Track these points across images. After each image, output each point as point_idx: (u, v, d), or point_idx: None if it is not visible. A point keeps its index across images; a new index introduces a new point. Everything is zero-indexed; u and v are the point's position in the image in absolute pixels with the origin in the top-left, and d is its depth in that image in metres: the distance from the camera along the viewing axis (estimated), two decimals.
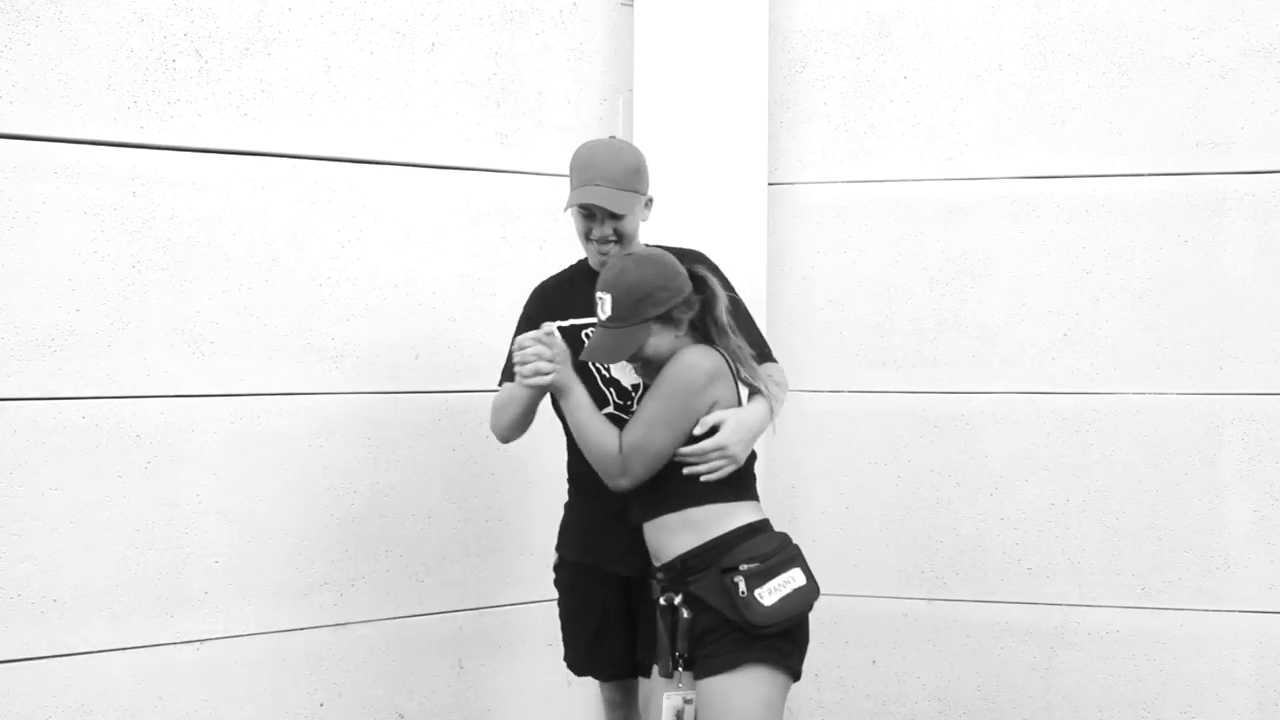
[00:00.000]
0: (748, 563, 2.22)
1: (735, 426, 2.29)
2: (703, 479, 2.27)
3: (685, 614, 2.25)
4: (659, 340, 2.29)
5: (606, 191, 2.43)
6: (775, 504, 3.42)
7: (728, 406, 2.29)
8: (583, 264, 2.63)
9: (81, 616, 2.78)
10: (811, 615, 2.33)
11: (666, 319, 2.28)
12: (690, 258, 2.48)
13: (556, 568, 2.74)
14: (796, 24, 3.50)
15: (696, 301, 2.32)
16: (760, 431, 2.36)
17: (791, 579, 2.24)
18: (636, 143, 3.37)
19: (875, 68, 3.46)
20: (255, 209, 2.98)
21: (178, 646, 2.90)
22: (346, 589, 3.11)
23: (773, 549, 2.26)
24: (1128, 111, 3.34)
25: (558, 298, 2.61)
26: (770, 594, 2.20)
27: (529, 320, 2.60)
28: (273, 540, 3.01)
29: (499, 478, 3.31)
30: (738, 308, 2.50)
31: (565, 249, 3.40)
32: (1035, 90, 3.38)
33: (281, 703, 3.03)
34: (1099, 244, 3.35)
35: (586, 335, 2.52)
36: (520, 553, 3.34)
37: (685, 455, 2.27)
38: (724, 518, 2.28)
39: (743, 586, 2.19)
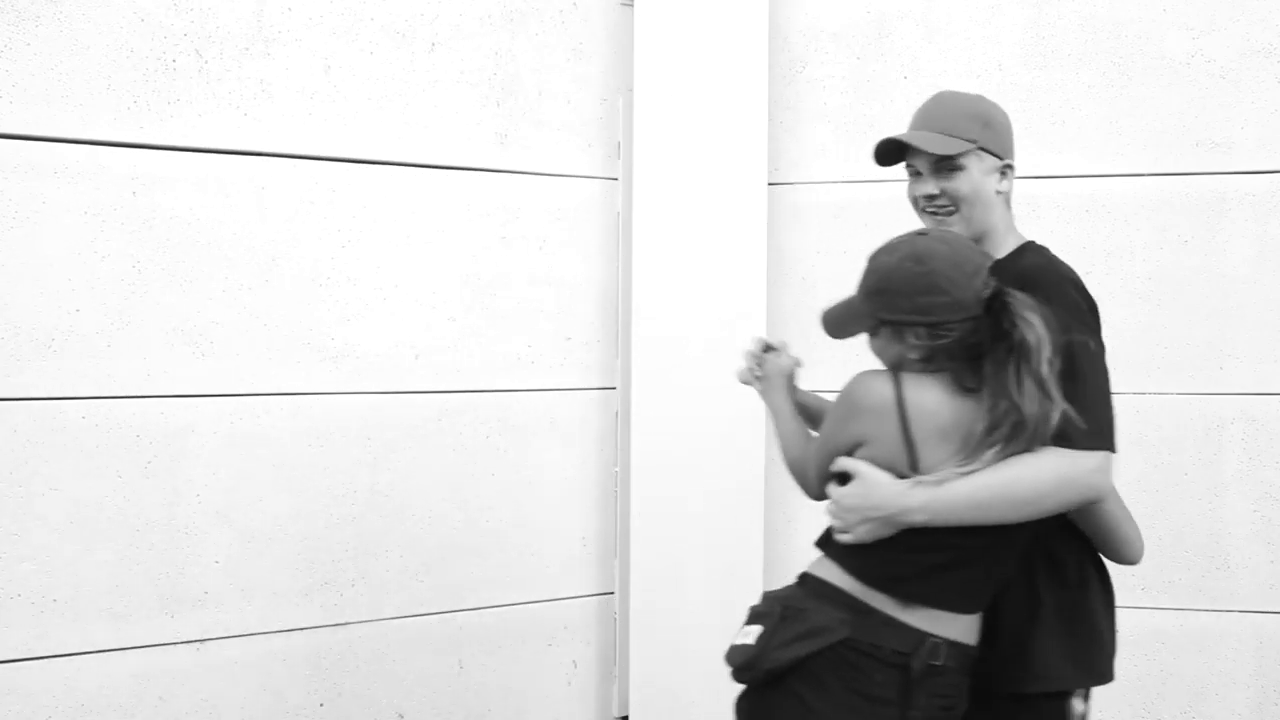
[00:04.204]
0: (774, 602, 1.95)
1: (859, 494, 1.82)
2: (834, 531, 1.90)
3: None
4: (885, 347, 1.88)
5: (924, 134, 1.97)
6: (775, 504, 3.43)
7: (883, 452, 1.82)
8: None
9: (81, 616, 2.78)
10: None
11: (897, 330, 1.84)
12: (1065, 281, 1.92)
13: None
14: (796, 24, 3.50)
15: (960, 334, 1.79)
16: (903, 522, 1.79)
17: (747, 634, 1.91)
18: (636, 143, 3.37)
19: (875, 68, 3.46)
20: (255, 209, 2.98)
21: (178, 646, 2.90)
22: (346, 589, 3.11)
23: (774, 596, 1.95)
24: (1128, 111, 3.34)
25: None
26: (735, 635, 1.93)
27: None
28: (273, 540, 3.01)
29: (499, 478, 3.31)
30: (1089, 380, 1.87)
31: (565, 249, 3.40)
32: (1035, 90, 3.38)
33: (281, 703, 3.03)
34: (1099, 244, 3.35)
35: None
36: (520, 553, 3.34)
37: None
38: (816, 564, 1.96)
39: (744, 624, 1.95)
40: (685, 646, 3.34)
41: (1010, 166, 2.02)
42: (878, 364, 1.93)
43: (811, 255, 3.48)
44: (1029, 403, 1.75)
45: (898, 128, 3.43)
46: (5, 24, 2.68)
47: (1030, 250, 2.01)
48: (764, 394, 2.21)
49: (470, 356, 3.27)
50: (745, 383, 2.26)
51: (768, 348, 2.24)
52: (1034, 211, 3.39)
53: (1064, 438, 1.79)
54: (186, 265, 2.89)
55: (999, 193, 2.00)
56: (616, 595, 3.47)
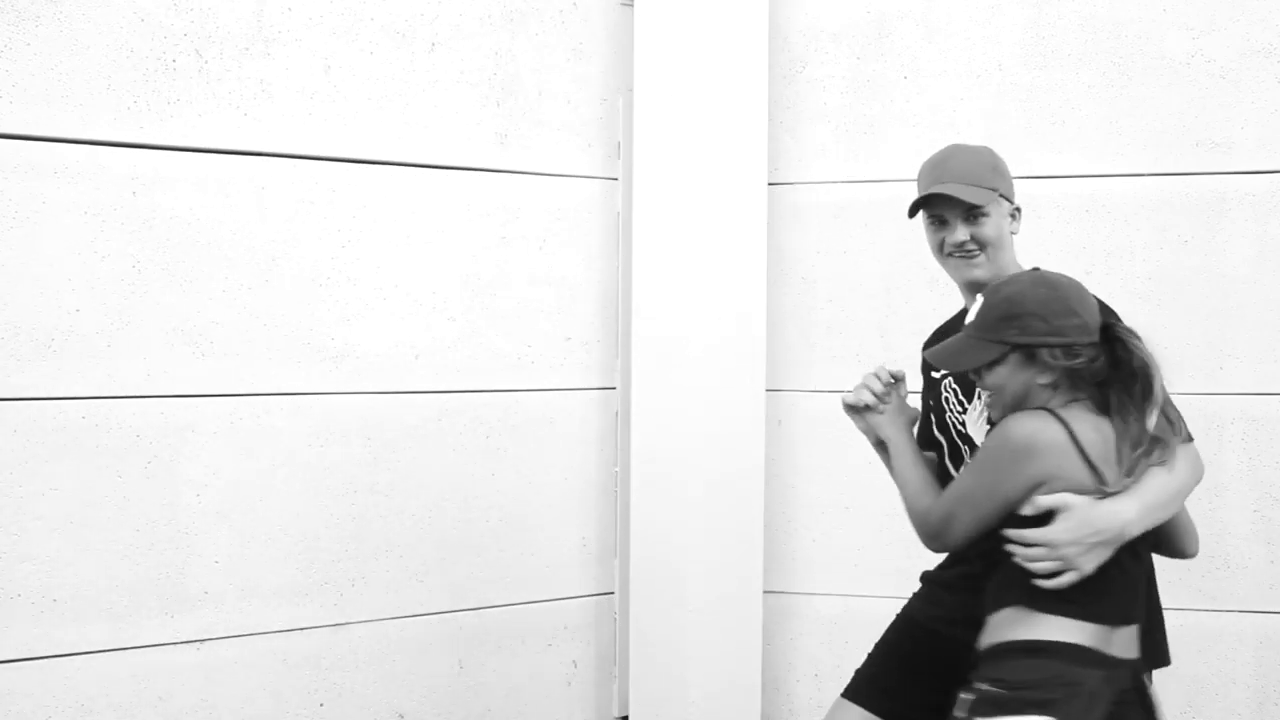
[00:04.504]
0: (990, 683, 1.81)
1: (1077, 524, 1.81)
2: (1033, 581, 1.83)
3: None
4: (1012, 375, 1.89)
5: (957, 186, 2.12)
6: (775, 504, 3.43)
7: (1070, 488, 1.83)
8: (962, 313, 2.26)
9: (81, 616, 2.78)
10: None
11: (1030, 355, 1.87)
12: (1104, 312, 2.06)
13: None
14: (796, 24, 3.49)
15: (1086, 358, 1.88)
16: (1121, 535, 1.84)
17: None
18: (636, 143, 3.37)
19: (875, 68, 3.46)
20: (255, 209, 2.98)
21: (178, 646, 2.90)
22: (346, 589, 3.11)
23: (1031, 680, 1.79)
24: (1128, 111, 3.34)
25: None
26: None
27: (924, 375, 2.33)
28: (273, 540, 3.01)
29: (499, 478, 3.31)
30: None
31: (565, 249, 3.40)
32: (1035, 90, 3.38)
33: (281, 703, 3.03)
34: (1099, 244, 3.35)
35: (948, 389, 2.22)
36: (520, 553, 3.34)
37: (1010, 538, 1.86)
38: (1027, 625, 1.85)
39: (962, 711, 1.82)
40: (685, 646, 3.34)
41: (1019, 209, 2.22)
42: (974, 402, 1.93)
43: (811, 255, 3.48)
44: (1156, 424, 1.86)
45: (898, 127, 3.45)
46: (5, 24, 2.68)
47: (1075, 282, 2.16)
48: (881, 427, 2.13)
49: (470, 356, 3.27)
50: (857, 408, 2.15)
51: (897, 379, 2.15)
52: (1034, 211, 3.38)
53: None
54: (186, 265, 2.89)
55: (1012, 234, 2.20)
56: (616, 595, 3.48)
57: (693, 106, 3.35)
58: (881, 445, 2.15)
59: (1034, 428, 1.86)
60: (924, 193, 2.15)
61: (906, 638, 2.36)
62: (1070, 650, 1.81)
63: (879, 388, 2.13)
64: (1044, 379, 1.89)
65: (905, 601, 2.43)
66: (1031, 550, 1.83)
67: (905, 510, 2.05)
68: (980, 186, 2.14)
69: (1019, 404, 1.91)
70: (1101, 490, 1.83)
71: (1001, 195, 2.17)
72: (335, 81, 3.07)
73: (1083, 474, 1.84)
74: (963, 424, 2.19)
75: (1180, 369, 3.33)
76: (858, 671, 2.40)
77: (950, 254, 2.18)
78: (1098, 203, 3.35)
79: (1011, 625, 1.86)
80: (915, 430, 2.20)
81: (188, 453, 2.90)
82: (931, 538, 1.99)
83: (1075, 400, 1.90)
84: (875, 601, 3.50)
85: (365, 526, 3.13)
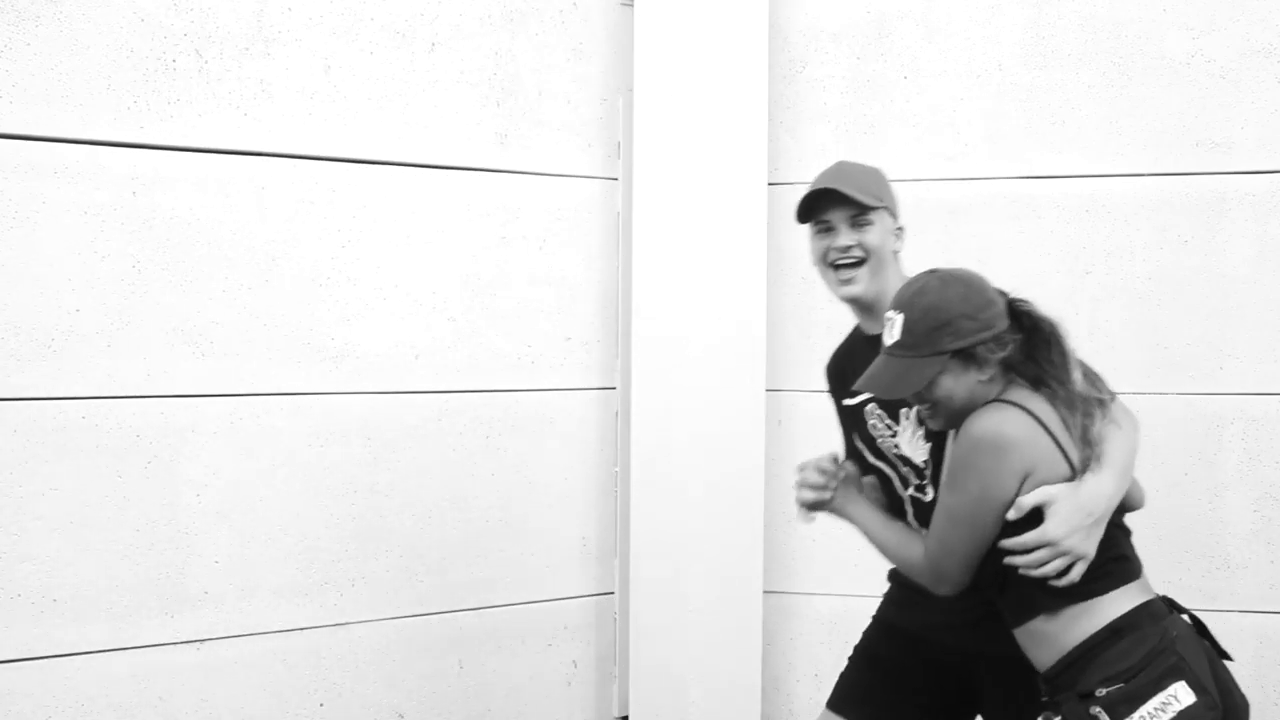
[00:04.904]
0: (1106, 684, 1.74)
1: (1068, 513, 1.80)
2: (1050, 582, 1.81)
3: None
4: (955, 382, 1.87)
5: (847, 187, 2.11)
6: (775, 504, 3.43)
7: (1049, 478, 1.82)
8: (857, 332, 2.27)
9: (81, 616, 2.78)
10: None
11: (968, 356, 1.86)
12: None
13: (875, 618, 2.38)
14: (796, 24, 3.49)
15: (1011, 342, 1.89)
16: (1108, 509, 1.85)
17: (1172, 699, 1.71)
18: (636, 143, 3.37)
19: (875, 68, 3.46)
20: (255, 209, 2.98)
21: (178, 646, 2.90)
22: (346, 589, 3.11)
23: (1140, 659, 1.74)
24: (1128, 111, 3.34)
25: (848, 369, 2.21)
26: (1173, 707, 1.72)
27: (835, 404, 2.30)
28: (273, 540, 3.01)
29: (499, 478, 3.31)
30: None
31: (565, 249, 3.40)
32: (1035, 90, 3.38)
33: (281, 703, 3.03)
34: (1099, 244, 3.35)
35: (873, 416, 2.18)
36: (520, 553, 3.34)
37: (1008, 548, 1.82)
38: (1079, 621, 1.80)
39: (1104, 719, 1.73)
40: (685, 646, 3.34)
41: (902, 229, 2.20)
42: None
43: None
44: (1081, 383, 1.86)
45: (898, 127, 3.45)
46: (5, 24, 2.68)
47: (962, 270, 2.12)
48: (840, 511, 2.12)
49: (470, 356, 3.27)
50: (813, 508, 2.14)
51: (836, 462, 2.14)
52: (1034, 211, 3.39)
53: None
54: (186, 265, 2.89)
55: (894, 252, 2.17)
56: (616, 595, 3.47)
57: (693, 106, 3.35)
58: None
59: (999, 419, 1.83)
60: (814, 188, 2.13)
61: (887, 644, 2.31)
62: (1143, 613, 1.80)
63: (820, 480, 2.12)
64: (984, 376, 1.87)
65: (878, 604, 2.38)
66: (1035, 555, 1.79)
67: (900, 570, 2.01)
68: (869, 193, 2.12)
69: (968, 409, 1.87)
70: (1071, 466, 1.82)
71: (888, 211, 2.16)
72: (335, 81, 3.07)
73: (1055, 454, 1.82)
74: (897, 446, 2.13)
75: (1180, 369, 3.33)
76: (841, 681, 2.35)
77: (833, 262, 2.14)
78: (1098, 203, 3.35)
79: (1068, 628, 1.81)
80: (860, 477, 2.18)
81: (188, 453, 2.90)
82: (938, 581, 1.93)
83: (1012, 385, 1.89)
84: (875, 602, 3.50)
85: (365, 526, 3.13)
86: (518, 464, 3.33)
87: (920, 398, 1.90)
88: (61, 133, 2.75)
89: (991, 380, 1.88)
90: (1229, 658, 1.92)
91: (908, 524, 2.12)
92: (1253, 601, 3.30)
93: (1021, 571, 1.81)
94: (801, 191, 2.20)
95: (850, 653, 2.39)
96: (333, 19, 3.06)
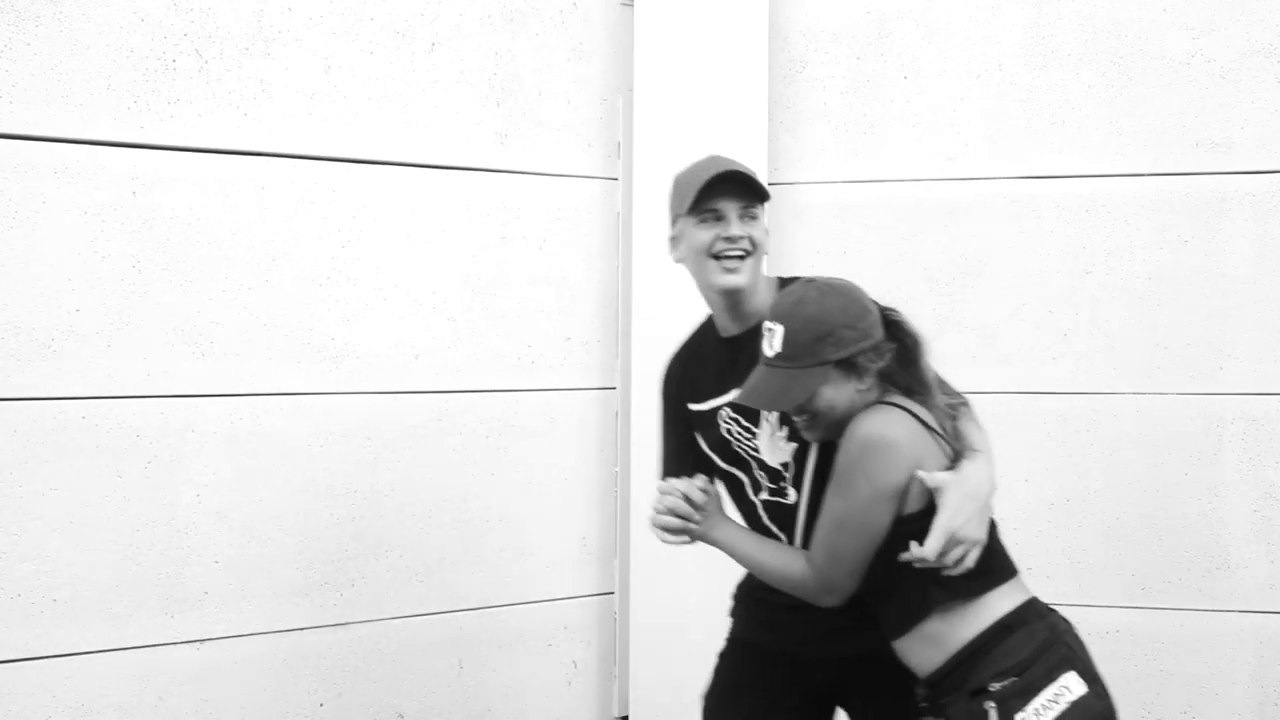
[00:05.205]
0: (999, 679, 1.76)
1: (959, 500, 1.82)
2: (944, 573, 1.82)
3: None
4: (836, 392, 1.88)
5: (746, 175, 2.09)
6: None
7: (933, 468, 1.86)
8: (706, 329, 2.24)
9: (81, 616, 2.78)
10: None
11: (849, 366, 1.88)
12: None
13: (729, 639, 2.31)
14: (796, 24, 3.50)
15: (889, 351, 1.92)
16: (990, 494, 1.89)
17: (1064, 690, 1.74)
18: (636, 143, 3.38)
19: (875, 68, 3.46)
20: (255, 209, 2.98)
21: (178, 646, 2.90)
22: (346, 589, 3.10)
23: (1032, 652, 1.77)
24: (1128, 111, 3.34)
25: (697, 372, 2.20)
26: (1039, 713, 1.73)
27: (673, 408, 2.24)
28: (273, 540, 3.01)
29: (499, 478, 3.31)
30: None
31: (565, 249, 3.40)
32: (1035, 90, 3.38)
33: (281, 703, 3.03)
34: (1099, 244, 3.35)
35: (727, 420, 2.13)
36: (520, 553, 3.34)
37: (916, 561, 1.81)
38: (966, 620, 1.82)
39: (994, 715, 1.74)
40: (685, 646, 3.34)
41: (768, 231, 2.18)
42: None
43: (811, 255, 3.48)
44: (934, 399, 1.93)
45: (898, 127, 3.45)
46: (5, 24, 2.68)
47: (785, 281, 2.17)
48: (707, 535, 2.09)
49: (470, 356, 3.27)
50: (681, 535, 2.09)
51: (707, 488, 2.10)
52: (1034, 211, 3.39)
53: None
54: (186, 265, 2.89)
55: (765, 253, 2.16)
56: (616, 595, 3.47)
57: (693, 106, 3.35)
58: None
59: (884, 420, 1.86)
60: (716, 171, 2.07)
61: (757, 667, 2.21)
62: (1030, 610, 1.84)
63: (687, 510, 2.07)
64: (863, 385, 1.89)
65: (734, 627, 2.30)
66: (930, 544, 1.78)
67: (778, 587, 1.99)
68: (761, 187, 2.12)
69: (847, 419, 1.88)
70: (951, 462, 1.87)
71: (764, 208, 2.16)
72: (335, 81, 3.07)
73: (938, 450, 1.87)
74: (755, 449, 2.09)
75: (1180, 369, 3.33)
76: (707, 710, 2.25)
77: (719, 254, 2.09)
78: (1098, 203, 3.35)
79: (957, 628, 1.82)
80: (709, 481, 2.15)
81: (188, 453, 2.90)
82: (825, 591, 1.91)
83: (888, 392, 1.93)
84: None
85: (365, 526, 3.13)
86: (518, 464, 3.33)
87: (801, 409, 1.90)
88: (61, 133, 2.75)
89: (869, 389, 1.91)
90: None
91: (769, 535, 2.10)
92: (1253, 601, 3.30)
93: (918, 565, 1.80)
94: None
95: (711, 682, 2.29)
96: (333, 19, 3.06)
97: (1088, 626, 3.34)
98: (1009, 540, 3.60)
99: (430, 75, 3.19)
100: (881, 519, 1.84)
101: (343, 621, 3.10)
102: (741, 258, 2.08)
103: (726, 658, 2.30)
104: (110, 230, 2.81)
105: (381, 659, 3.16)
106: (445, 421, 3.23)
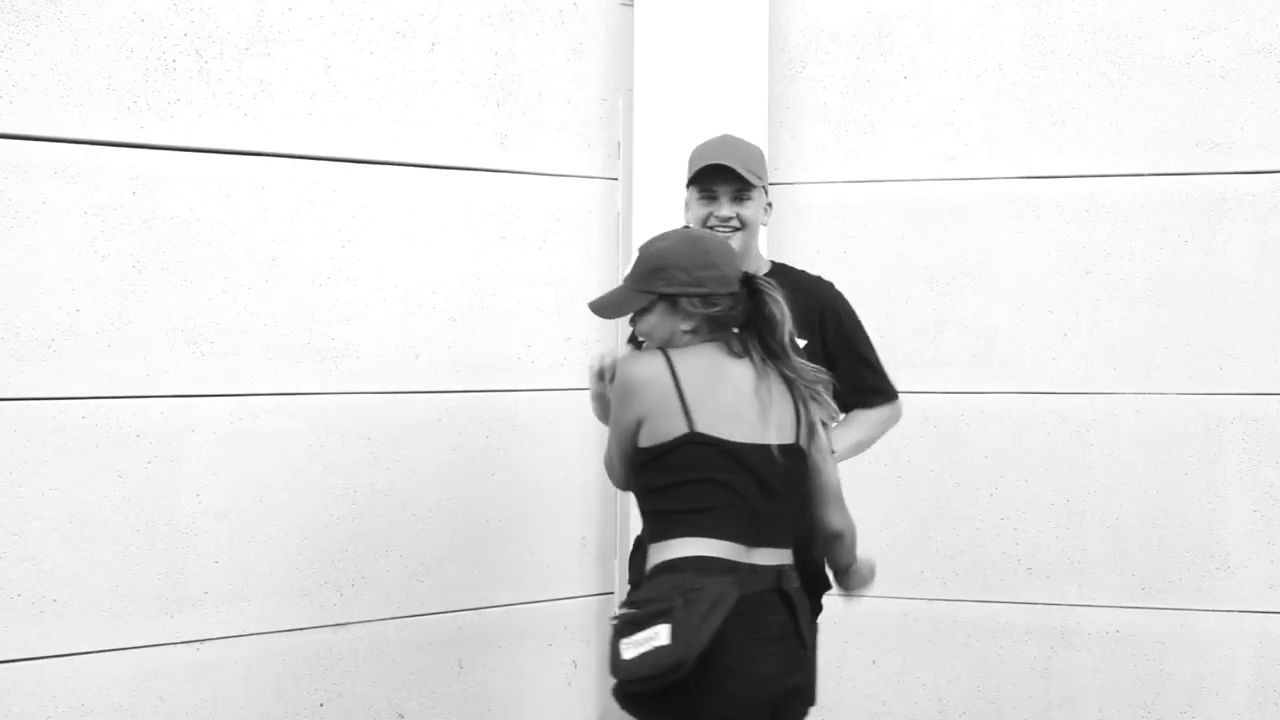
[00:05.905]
0: (626, 607, 2.04)
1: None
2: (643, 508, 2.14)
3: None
4: (657, 323, 2.13)
5: (739, 166, 2.40)
6: None
7: (663, 427, 2.05)
8: None
9: (81, 616, 2.78)
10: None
11: (673, 304, 2.10)
12: (819, 286, 2.53)
13: None
14: (796, 24, 3.50)
15: (722, 305, 2.10)
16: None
17: (654, 636, 1.92)
18: (636, 143, 3.38)
19: (875, 68, 3.46)
20: (255, 209, 2.98)
21: (178, 646, 2.90)
22: (346, 589, 3.10)
23: (656, 595, 1.97)
24: (1128, 111, 3.34)
25: None
26: (632, 647, 1.96)
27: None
28: (273, 540, 3.01)
29: (499, 478, 3.31)
30: (855, 338, 2.52)
31: (565, 249, 3.40)
32: (1035, 90, 3.38)
33: (281, 703, 3.03)
34: (1099, 244, 3.35)
35: None
36: (520, 553, 3.34)
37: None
38: (656, 553, 2.07)
39: (611, 632, 2.01)
40: None
41: (770, 205, 2.55)
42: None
43: (811, 255, 3.48)
44: (787, 364, 2.11)
45: (898, 127, 3.45)
46: (5, 24, 2.68)
47: (787, 265, 2.57)
48: (602, 404, 2.33)
49: (470, 356, 3.27)
50: (602, 376, 2.32)
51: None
52: (1034, 211, 3.39)
53: (879, 393, 2.55)
54: (186, 265, 2.89)
55: (763, 225, 2.52)
56: (616, 595, 3.47)
57: (693, 106, 3.35)
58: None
59: (635, 365, 2.10)
60: (711, 161, 2.40)
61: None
62: (694, 561, 2.01)
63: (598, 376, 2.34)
64: (686, 325, 2.11)
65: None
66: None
67: None
68: (752, 172, 2.43)
69: (665, 346, 2.12)
70: (689, 423, 2.02)
71: (763, 189, 2.48)
72: (335, 81, 3.07)
73: (676, 409, 2.04)
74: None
75: (1180, 369, 3.33)
76: None
77: (713, 228, 2.41)
78: (1098, 203, 3.36)
79: (652, 558, 2.06)
80: None
81: (188, 453, 2.90)
82: (609, 471, 2.21)
83: (711, 341, 2.12)
84: (874, 601, 3.50)
85: (365, 526, 3.13)
86: (518, 464, 3.33)
87: (634, 327, 2.20)
88: (61, 133, 2.75)
89: (695, 331, 2.12)
90: (805, 646, 2.11)
91: None
92: (1253, 601, 3.31)
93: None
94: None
95: None
96: (333, 19, 3.06)
97: (1088, 626, 3.38)
98: (1010, 538, 3.60)
99: (430, 75, 3.19)
100: (621, 442, 2.11)
101: (343, 621, 3.10)
102: (731, 233, 2.42)
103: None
104: (110, 230, 2.81)
105: (381, 659, 3.16)
106: (445, 421, 3.23)
